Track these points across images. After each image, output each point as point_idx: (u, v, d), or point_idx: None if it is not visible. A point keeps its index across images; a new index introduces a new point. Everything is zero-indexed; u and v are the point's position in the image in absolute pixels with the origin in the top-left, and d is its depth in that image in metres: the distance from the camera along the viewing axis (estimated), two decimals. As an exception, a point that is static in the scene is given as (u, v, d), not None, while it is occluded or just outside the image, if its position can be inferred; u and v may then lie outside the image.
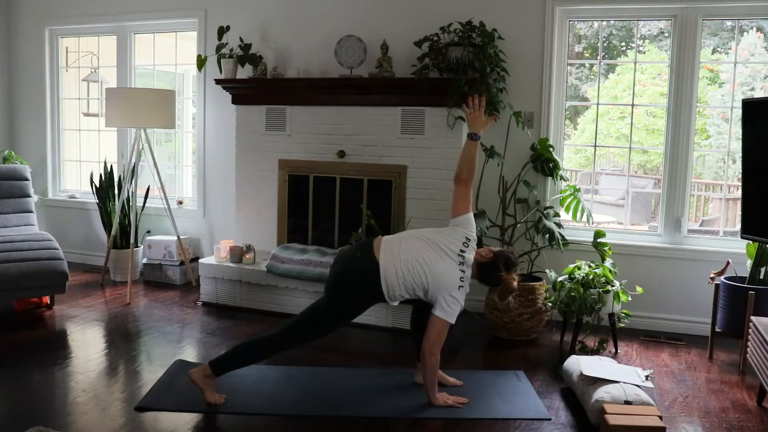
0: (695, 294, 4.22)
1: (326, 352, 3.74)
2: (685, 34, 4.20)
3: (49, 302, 4.45)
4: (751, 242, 3.84)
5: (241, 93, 4.90)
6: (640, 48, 8.96)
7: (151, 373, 3.32)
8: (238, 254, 4.63)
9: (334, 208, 4.73)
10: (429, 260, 2.87)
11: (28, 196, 4.94)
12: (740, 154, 3.71)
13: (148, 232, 5.57)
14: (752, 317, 3.28)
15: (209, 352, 3.73)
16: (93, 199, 5.53)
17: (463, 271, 2.89)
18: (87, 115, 6.17)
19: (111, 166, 5.48)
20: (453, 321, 2.88)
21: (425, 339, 2.88)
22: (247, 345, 3.01)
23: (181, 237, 5.17)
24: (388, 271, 2.86)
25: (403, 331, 4.09)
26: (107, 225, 5.37)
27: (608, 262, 3.94)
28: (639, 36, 8.33)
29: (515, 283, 2.98)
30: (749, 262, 3.88)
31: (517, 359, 3.73)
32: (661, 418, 2.68)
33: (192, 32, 5.40)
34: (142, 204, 5.41)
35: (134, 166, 5.07)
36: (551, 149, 4.33)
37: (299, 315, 2.99)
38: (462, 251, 2.90)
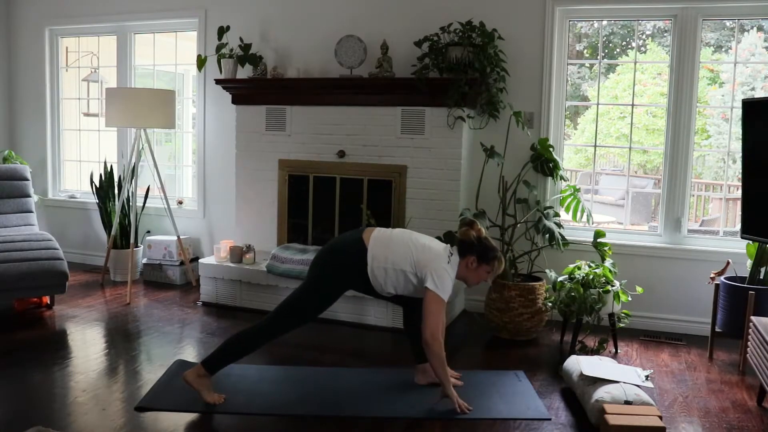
0: (695, 294, 4.22)
1: (326, 352, 3.74)
2: (685, 34, 4.20)
3: (49, 302, 4.45)
4: (751, 242, 3.84)
5: (241, 93, 4.90)
6: (642, 46, 8.96)
7: (151, 373, 3.32)
8: (238, 254, 4.63)
9: (334, 208, 4.73)
10: (417, 239, 2.98)
11: (28, 196, 4.94)
12: (740, 154, 3.71)
13: (148, 232, 5.57)
14: (752, 317, 3.28)
15: (209, 352, 3.71)
16: (93, 199, 5.53)
17: (450, 254, 2.94)
18: (87, 115, 6.17)
19: (111, 166, 5.48)
20: (446, 298, 2.85)
21: (424, 327, 2.84)
22: (235, 339, 3.00)
23: (181, 237, 5.17)
24: (375, 248, 2.90)
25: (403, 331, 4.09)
26: (107, 225, 5.37)
27: (608, 262, 3.94)
28: (641, 33, 8.33)
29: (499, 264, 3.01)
30: (749, 262, 3.88)
31: (517, 359, 3.73)
32: (661, 418, 2.68)
33: (192, 32, 5.40)
34: (142, 204, 5.41)
35: (134, 166, 5.07)
36: (551, 149, 4.33)
37: (282, 302, 2.99)
38: (450, 253, 2.97)
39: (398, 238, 2.97)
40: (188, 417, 2.82)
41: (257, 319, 4.36)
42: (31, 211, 4.92)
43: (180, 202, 5.62)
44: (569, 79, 4.98)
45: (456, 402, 2.90)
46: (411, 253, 2.90)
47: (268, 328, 2.95)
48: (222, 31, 4.82)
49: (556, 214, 4.33)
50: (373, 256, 2.89)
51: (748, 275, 3.85)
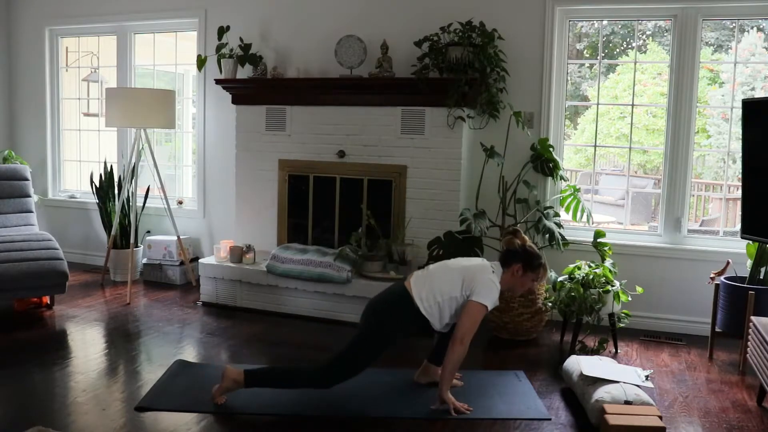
0: (695, 294, 4.22)
1: (326, 352, 3.73)
2: (686, 34, 4.20)
3: (49, 302, 4.45)
4: (751, 242, 3.84)
5: (241, 93, 4.90)
6: (642, 46, 8.96)
7: (151, 373, 3.32)
8: (238, 254, 4.63)
9: (334, 208, 4.73)
10: (455, 262, 3.06)
11: (28, 196, 4.94)
12: (740, 154, 3.71)
13: (148, 232, 5.57)
14: (752, 317, 3.28)
15: (209, 352, 3.73)
16: (93, 199, 5.53)
17: (492, 265, 3.00)
18: (87, 115, 6.17)
19: (111, 166, 5.48)
20: (489, 305, 2.88)
21: (458, 326, 2.87)
22: (284, 370, 3.03)
23: (181, 237, 5.17)
24: (419, 289, 2.93)
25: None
26: (107, 225, 5.37)
27: (608, 262, 3.94)
28: (641, 33, 8.32)
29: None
30: (749, 262, 3.88)
31: (517, 359, 3.73)
32: (661, 418, 2.68)
33: (192, 32, 5.40)
34: (142, 204, 5.41)
35: (134, 166, 5.07)
36: (551, 149, 4.33)
37: (337, 355, 2.93)
38: (492, 265, 3.02)
39: (436, 270, 3.04)
40: (188, 417, 2.82)
41: (257, 318, 4.38)
42: (31, 211, 4.92)
43: (180, 202, 5.62)
44: (569, 78, 4.97)
45: (452, 406, 2.90)
46: (455, 277, 2.94)
47: (319, 378, 2.92)
48: (222, 31, 4.82)
49: (556, 214, 4.33)
50: (420, 297, 2.91)
51: (748, 275, 3.85)
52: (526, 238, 3.09)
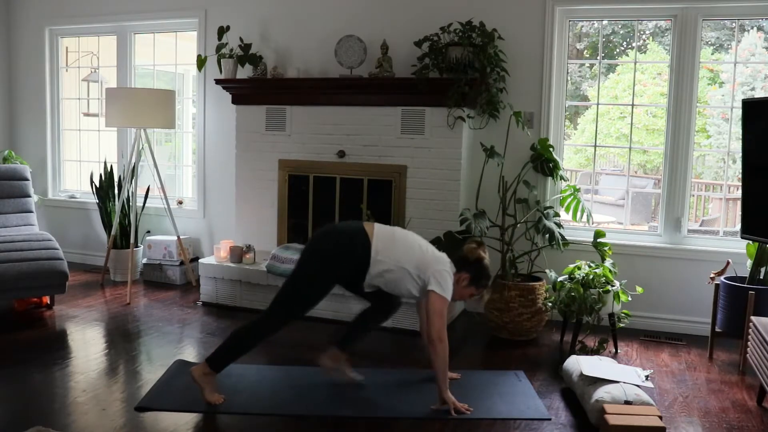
0: (695, 294, 4.22)
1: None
2: (686, 34, 4.20)
3: (49, 302, 4.45)
4: (751, 242, 3.84)
5: (241, 93, 4.90)
6: (642, 46, 8.96)
7: (151, 373, 3.32)
8: (238, 254, 4.63)
9: (334, 208, 4.73)
10: (419, 240, 3.02)
11: (28, 196, 4.94)
12: (740, 154, 3.71)
13: (148, 232, 5.57)
14: (752, 317, 3.28)
15: (209, 352, 3.71)
16: (93, 199, 5.53)
17: (450, 262, 2.98)
18: (87, 115, 6.17)
19: (111, 166, 5.48)
20: (449, 297, 2.87)
21: (430, 327, 2.85)
22: (236, 334, 2.97)
23: (181, 237, 5.17)
24: (380, 242, 2.89)
25: (403, 331, 4.09)
26: (107, 225, 5.37)
27: (608, 262, 3.94)
28: (641, 33, 8.32)
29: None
30: (749, 262, 3.88)
31: (517, 359, 3.73)
32: (661, 418, 2.68)
33: (192, 32, 5.40)
34: (142, 204, 5.41)
35: (134, 166, 5.07)
36: (551, 149, 4.33)
37: (277, 293, 2.94)
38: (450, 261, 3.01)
39: (402, 237, 2.99)
40: (188, 417, 2.82)
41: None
42: (31, 211, 4.92)
43: (180, 202, 5.62)
44: (569, 78, 4.97)
45: (452, 406, 2.89)
46: (415, 253, 2.93)
47: (265, 323, 2.92)
48: (222, 31, 4.82)
49: (556, 214, 4.33)
50: (377, 249, 2.89)
51: (748, 275, 3.85)
52: (486, 255, 3.04)
